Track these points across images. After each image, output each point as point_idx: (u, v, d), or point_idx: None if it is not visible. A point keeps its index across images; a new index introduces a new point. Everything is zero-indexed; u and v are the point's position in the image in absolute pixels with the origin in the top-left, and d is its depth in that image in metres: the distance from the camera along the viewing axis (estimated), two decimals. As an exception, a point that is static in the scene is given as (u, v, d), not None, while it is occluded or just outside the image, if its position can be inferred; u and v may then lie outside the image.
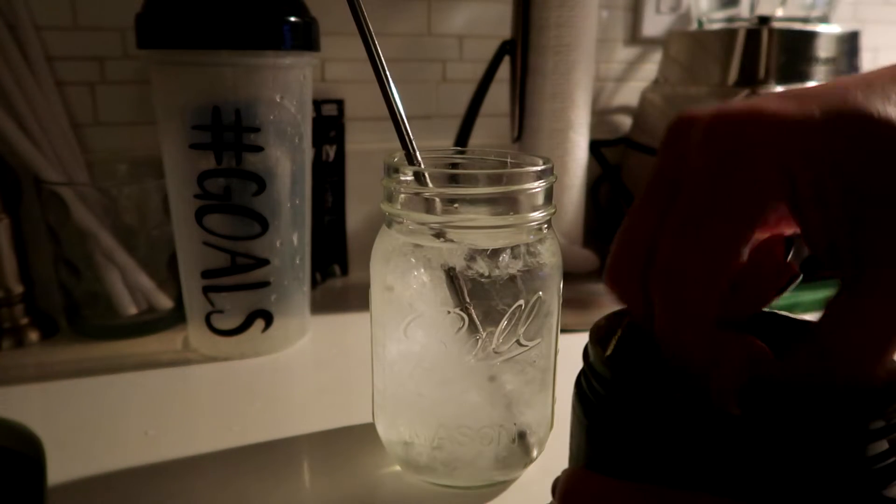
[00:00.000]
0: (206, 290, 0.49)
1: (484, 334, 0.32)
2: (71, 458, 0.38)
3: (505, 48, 0.60)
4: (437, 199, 0.32)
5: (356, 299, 0.64)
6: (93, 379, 0.47)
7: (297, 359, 0.52)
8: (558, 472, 0.23)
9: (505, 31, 0.61)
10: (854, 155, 0.21)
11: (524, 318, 0.33)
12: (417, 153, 0.34)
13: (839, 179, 0.21)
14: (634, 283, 0.24)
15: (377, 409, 0.37)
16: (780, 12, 0.67)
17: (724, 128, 0.22)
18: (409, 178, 0.33)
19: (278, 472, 0.37)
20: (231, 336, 0.50)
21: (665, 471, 0.20)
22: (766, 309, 0.26)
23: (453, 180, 0.34)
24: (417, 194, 0.33)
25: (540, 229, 0.34)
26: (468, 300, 0.32)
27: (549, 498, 0.23)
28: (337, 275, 0.69)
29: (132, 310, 0.54)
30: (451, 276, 0.32)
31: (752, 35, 0.62)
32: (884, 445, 0.19)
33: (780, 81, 0.62)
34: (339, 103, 0.65)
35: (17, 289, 0.54)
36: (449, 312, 0.32)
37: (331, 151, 0.66)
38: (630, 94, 0.78)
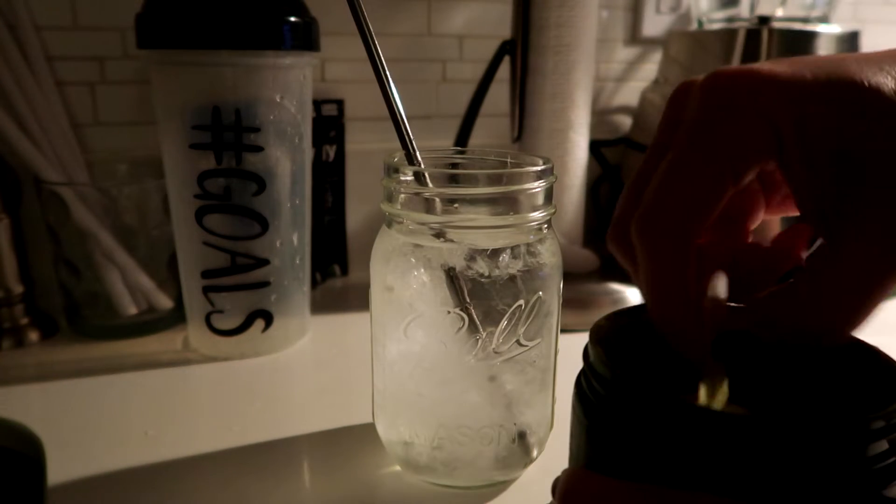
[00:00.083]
0: (206, 290, 0.49)
1: (484, 334, 0.32)
2: (71, 458, 0.38)
3: (505, 48, 0.60)
4: (437, 199, 0.32)
5: (356, 299, 0.64)
6: (93, 379, 0.47)
7: (297, 359, 0.52)
8: (558, 472, 0.23)
9: (505, 31, 0.61)
10: (842, 119, 0.21)
11: (524, 318, 0.33)
12: (417, 153, 0.34)
13: (827, 142, 0.21)
14: (626, 237, 0.25)
15: (377, 409, 0.37)
16: (780, 12, 0.67)
17: (717, 82, 0.22)
18: (409, 178, 0.33)
19: (278, 472, 0.37)
20: (231, 336, 0.50)
21: (665, 471, 0.20)
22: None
23: (453, 180, 0.34)
24: (417, 194, 0.33)
25: (540, 229, 0.34)
26: (468, 300, 0.32)
27: (549, 498, 0.23)
28: (337, 275, 0.69)
29: (132, 310, 0.54)
30: (451, 276, 0.32)
31: (752, 35, 0.62)
32: (884, 445, 0.19)
33: (780, 81, 0.62)
34: (339, 103, 0.65)
35: (17, 289, 0.54)
36: (449, 312, 0.32)
37: (331, 151, 0.66)
38: (630, 94, 0.78)
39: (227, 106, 0.45)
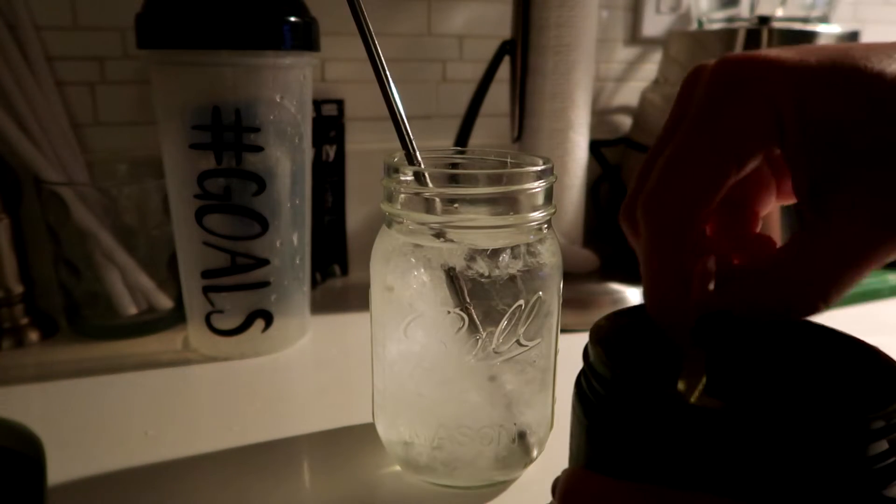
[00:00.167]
0: (206, 290, 0.49)
1: (484, 334, 0.32)
2: (71, 458, 0.38)
3: (505, 48, 0.60)
4: (437, 199, 0.32)
5: (356, 299, 0.64)
6: (93, 379, 0.47)
7: (297, 359, 0.52)
8: (558, 472, 0.23)
9: (505, 31, 0.61)
10: (843, 104, 0.21)
11: (524, 318, 0.33)
12: (417, 153, 0.34)
13: (827, 126, 0.21)
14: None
15: (377, 409, 0.37)
16: (780, 12, 0.67)
17: (724, 68, 0.23)
18: (409, 178, 0.33)
19: (278, 472, 0.37)
20: (231, 336, 0.50)
21: (665, 471, 0.20)
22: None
23: (453, 180, 0.34)
24: (417, 194, 0.33)
25: (540, 229, 0.34)
26: (468, 300, 0.32)
27: (549, 498, 0.23)
28: (337, 275, 0.69)
29: (132, 310, 0.54)
30: (451, 276, 0.32)
31: (752, 35, 0.62)
32: (884, 445, 0.19)
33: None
34: (339, 103, 0.65)
35: (17, 289, 0.54)
36: (449, 312, 0.32)
37: (331, 151, 0.66)
38: (630, 94, 0.78)
39: (227, 106, 0.45)
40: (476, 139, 0.64)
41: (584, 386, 0.23)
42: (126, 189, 0.52)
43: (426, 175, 0.32)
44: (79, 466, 0.37)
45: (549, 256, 0.34)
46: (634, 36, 0.77)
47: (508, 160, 0.36)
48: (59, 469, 0.37)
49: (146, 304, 0.54)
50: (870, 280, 0.63)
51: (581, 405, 0.23)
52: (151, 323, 0.55)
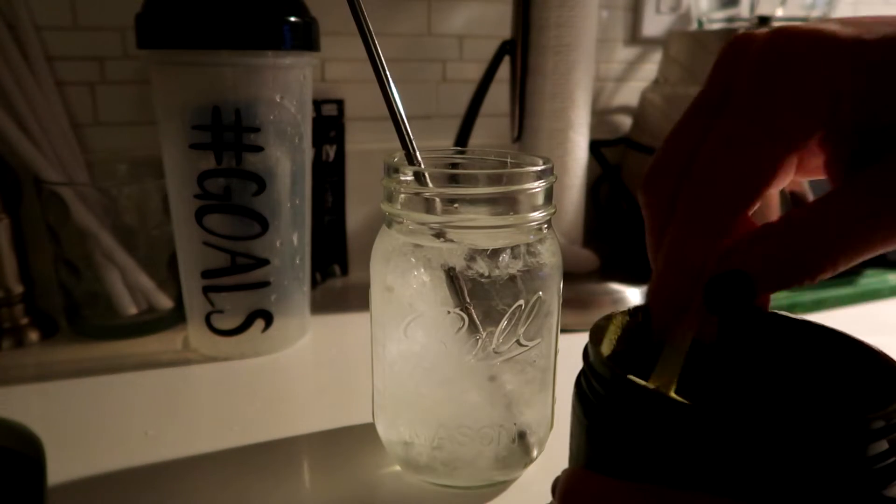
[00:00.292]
0: (206, 290, 0.49)
1: (484, 334, 0.32)
2: (71, 458, 0.38)
3: (505, 48, 0.60)
4: (437, 199, 0.32)
5: (356, 299, 0.64)
6: (93, 379, 0.47)
7: (297, 359, 0.52)
8: (558, 472, 0.23)
9: (505, 31, 0.61)
10: None
11: (524, 318, 0.33)
12: (417, 153, 0.34)
13: (883, 109, 0.21)
14: (664, 192, 0.24)
15: (377, 409, 0.37)
16: (780, 12, 0.67)
17: (780, 41, 0.22)
18: (409, 178, 0.33)
19: (278, 472, 0.37)
20: (231, 336, 0.50)
21: (665, 471, 0.20)
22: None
23: (453, 180, 0.34)
24: (417, 194, 0.33)
25: (540, 229, 0.34)
26: (468, 300, 0.32)
27: (549, 498, 0.23)
28: (337, 275, 0.69)
29: (132, 310, 0.54)
30: (451, 276, 0.32)
31: (752, 35, 0.62)
32: (884, 445, 0.19)
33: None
34: (339, 103, 0.65)
35: (17, 289, 0.54)
36: (449, 312, 0.32)
37: (331, 151, 0.66)
38: (630, 94, 0.78)
39: (227, 106, 0.45)
40: (476, 139, 0.64)
41: (584, 386, 0.23)
42: (126, 189, 0.52)
43: (426, 175, 0.32)
44: (79, 466, 0.37)
45: (549, 256, 0.34)
46: (634, 36, 0.77)
47: (508, 160, 0.36)
48: (59, 469, 0.37)
49: (146, 304, 0.54)
50: (870, 280, 0.63)
51: (581, 405, 0.23)
52: (151, 323, 0.55)
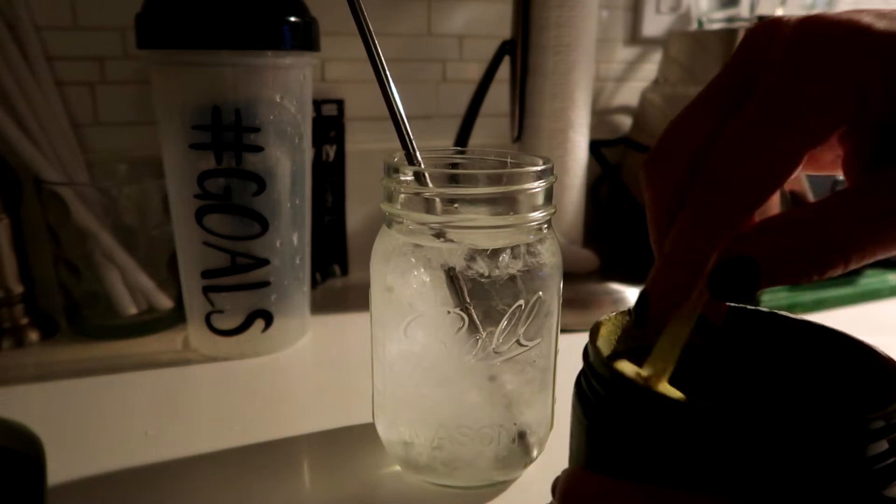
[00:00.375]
0: (206, 290, 0.49)
1: (484, 334, 0.32)
2: (71, 458, 0.38)
3: (505, 48, 0.60)
4: (437, 199, 0.32)
5: (356, 299, 0.64)
6: (93, 379, 0.47)
7: (297, 359, 0.52)
8: (558, 472, 0.23)
9: (505, 31, 0.61)
10: None
11: (524, 318, 0.33)
12: (417, 153, 0.34)
13: None
14: (673, 175, 0.24)
15: (377, 409, 0.37)
16: (779, 12, 0.67)
17: (812, 29, 0.21)
18: (409, 178, 0.33)
19: (278, 472, 0.37)
20: (231, 336, 0.50)
21: (665, 471, 0.20)
22: (766, 309, 0.26)
23: (453, 180, 0.34)
24: (417, 194, 0.33)
25: (540, 229, 0.34)
26: (468, 300, 0.32)
27: (549, 498, 0.23)
28: (337, 275, 0.69)
29: (132, 310, 0.54)
30: (451, 276, 0.32)
31: (752, 35, 0.62)
32: (884, 445, 0.19)
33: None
34: (339, 103, 0.65)
35: (17, 289, 0.54)
36: (449, 312, 0.32)
37: (331, 151, 0.66)
38: (630, 94, 0.78)
39: (227, 106, 0.45)
40: (476, 139, 0.64)
41: (584, 386, 0.23)
42: (126, 189, 0.52)
43: (426, 175, 0.32)
44: (79, 466, 0.37)
45: (549, 256, 0.34)
46: (634, 36, 0.77)
47: (508, 160, 0.36)
48: (59, 469, 0.37)
49: (146, 304, 0.54)
50: (870, 280, 0.63)
51: (581, 405, 0.23)
52: (151, 323, 0.55)
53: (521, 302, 0.32)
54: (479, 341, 0.32)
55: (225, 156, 0.46)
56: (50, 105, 0.55)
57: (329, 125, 0.65)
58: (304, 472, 0.38)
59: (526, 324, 0.33)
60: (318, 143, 0.64)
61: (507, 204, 0.32)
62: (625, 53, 0.78)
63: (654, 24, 0.77)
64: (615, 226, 0.75)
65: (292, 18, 0.46)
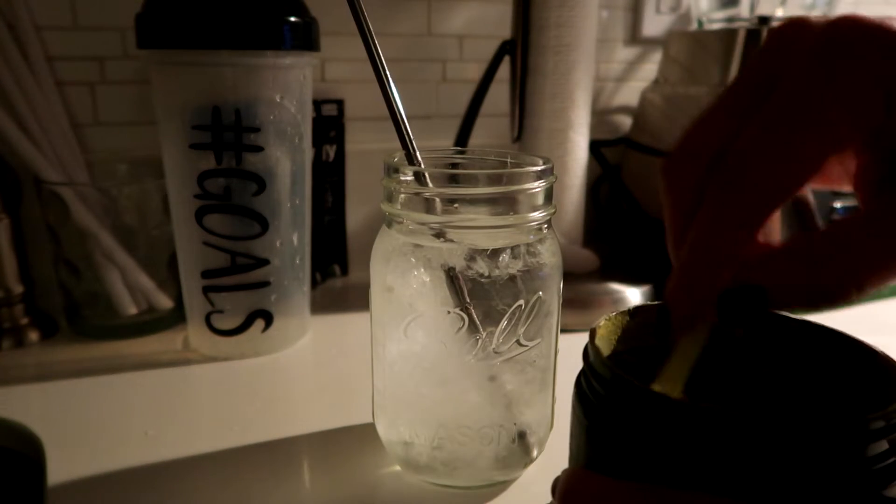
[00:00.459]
0: (206, 290, 0.49)
1: (484, 334, 0.32)
2: (71, 458, 0.38)
3: (505, 48, 0.60)
4: (437, 199, 0.32)
5: (356, 299, 0.64)
6: (93, 379, 0.47)
7: (297, 359, 0.52)
8: (558, 472, 0.23)
9: (505, 31, 0.61)
10: None
11: (524, 318, 0.33)
12: (417, 153, 0.34)
13: None
14: (691, 180, 0.23)
15: (377, 409, 0.37)
16: (780, 12, 0.67)
17: (843, 31, 0.21)
18: (409, 178, 0.33)
19: (278, 472, 0.37)
20: (231, 336, 0.50)
21: (665, 471, 0.20)
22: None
23: (453, 180, 0.34)
24: (417, 194, 0.33)
25: (540, 229, 0.34)
26: (468, 300, 0.32)
27: (549, 498, 0.23)
28: (337, 275, 0.69)
29: (132, 310, 0.54)
30: (451, 276, 0.32)
31: (752, 35, 0.62)
32: (884, 445, 0.19)
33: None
34: (339, 103, 0.65)
35: (17, 289, 0.54)
36: (449, 312, 0.32)
37: (331, 151, 0.66)
38: (630, 94, 0.78)
39: (227, 106, 0.45)
40: (476, 139, 0.64)
41: (584, 386, 0.23)
42: (126, 189, 0.52)
43: (426, 175, 0.32)
44: (79, 466, 0.37)
45: (549, 256, 0.34)
46: (634, 36, 0.77)
47: (508, 160, 0.36)
48: (59, 469, 0.37)
49: (146, 304, 0.54)
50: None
51: (581, 405, 0.23)
52: (151, 323, 0.55)
53: (521, 302, 0.32)
54: (479, 341, 0.32)
55: (225, 156, 0.46)
56: (50, 105, 0.55)
57: (329, 125, 0.65)
58: (304, 471, 0.38)
59: (526, 324, 0.33)
60: (318, 143, 0.64)
61: (507, 204, 0.32)
62: (625, 53, 0.78)
63: (654, 24, 0.77)
64: (615, 226, 0.75)
65: (292, 18, 0.46)
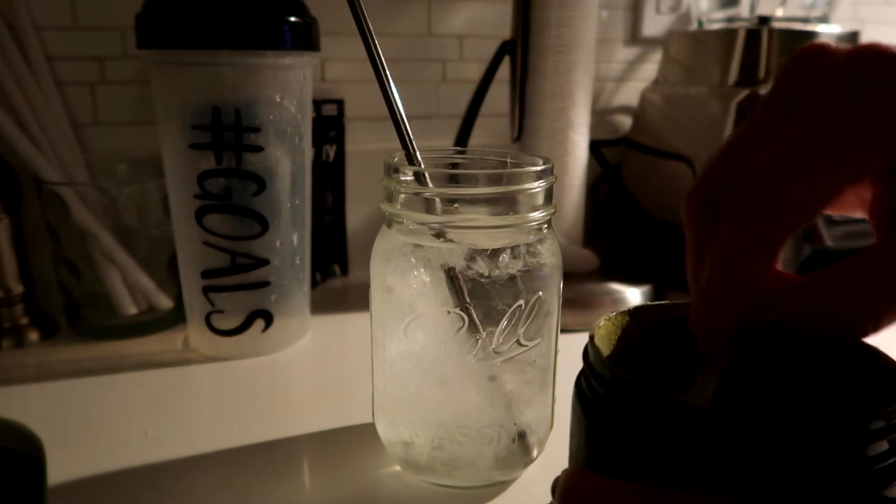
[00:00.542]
0: (206, 290, 0.49)
1: (484, 334, 0.32)
2: (71, 458, 0.38)
3: (505, 48, 0.60)
4: (437, 199, 0.32)
5: (356, 299, 0.64)
6: (93, 379, 0.47)
7: (297, 359, 0.52)
8: (558, 472, 0.23)
9: (505, 31, 0.61)
10: None
11: (524, 318, 0.33)
12: (417, 153, 0.34)
13: None
14: (712, 209, 0.23)
15: (377, 409, 0.37)
16: (780, 12, 0.67)
17: (868, 57, 0.20)
18: (409, 178, 0.33)
19: (278, 472, 0.37)
20: (231, 336, 0.50)
21: (665, 471, 0.20)
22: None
23: (453, 180, 0.34)
24: (417, 194, 0.33)
25: (540, 229, 0.34)
26: (468, 300, 0.32)
27: (549, 498, 0.23)
28: (337, 275, 0.69)
29: (132, 310, 0.54)
30: (451, 276, 0.32)
31: (752, 35, 0.62)
32: (884, 445, 0.19)
33: (780, 81, 0.62)
34: (339, 103, 0.65)
35: (17, 289, 0.54)
36: (449, 312, 0.32)
37: (331, 151, 0.66)
38: (630, 94, 0.78)
39: (227, 106, 0.45)
40: (476, 139, 0.64)
41: (584, 386, 0.23)
42: (126, 189, 0.52)
43: (426, 175, 0.32)
44: (79, 466, 0.37)
45: (549, 256, 0.34)
46: (634, 36, 0.77)
47: (508, 160, 0.36)
48: (59, 469, 0.37)
49: (146, 304, 0.54)
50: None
51: (581, 405, 0.23)
52: (151, 323, 0.55)
53: (521, 302, 0.32)
54: (479, 341, 0.32)
55: (225, 156, 0.46)
56: (50, 105, 0.55)
57: (329, 125, 0.65)
58: (304, 471, 0.38)
59: (526, 324, 0.33)
60: (318, 143, 0.64)
61: (507, 204, 0.32)
62: (625, 53, 0.78)
63: (654, 24, 0.77)
64: (615, 226, 0.75)
65: (292, 18, 0.46)
